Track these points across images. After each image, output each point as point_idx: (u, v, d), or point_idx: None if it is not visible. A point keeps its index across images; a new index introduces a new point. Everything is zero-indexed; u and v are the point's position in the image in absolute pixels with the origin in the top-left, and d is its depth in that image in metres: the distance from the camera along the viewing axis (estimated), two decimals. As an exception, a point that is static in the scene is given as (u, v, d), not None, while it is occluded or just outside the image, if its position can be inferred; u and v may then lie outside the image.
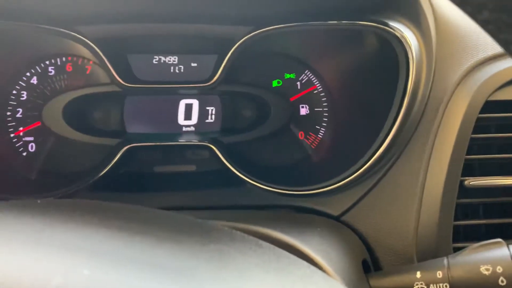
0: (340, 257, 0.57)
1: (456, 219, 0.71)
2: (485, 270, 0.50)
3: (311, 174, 0.84)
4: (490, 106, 0.74)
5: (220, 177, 0.82)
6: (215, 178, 0.84)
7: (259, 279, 0.36)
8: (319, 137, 0.90)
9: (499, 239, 0.54)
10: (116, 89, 0.83)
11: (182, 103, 0.87)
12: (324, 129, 0.90)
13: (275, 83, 0.90)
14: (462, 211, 0.73)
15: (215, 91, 0.85)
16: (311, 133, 0.90)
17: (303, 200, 0.76)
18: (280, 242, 0.56)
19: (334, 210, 0.74)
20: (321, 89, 0.90)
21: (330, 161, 0.85)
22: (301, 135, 0.90)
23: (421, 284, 0.52)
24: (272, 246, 0.42)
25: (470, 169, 0.74)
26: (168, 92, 0.86)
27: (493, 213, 0.74)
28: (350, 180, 0.73)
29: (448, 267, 0.53)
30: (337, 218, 0.73)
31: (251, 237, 0.42)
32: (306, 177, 0.82)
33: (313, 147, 0.89)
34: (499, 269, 0.50)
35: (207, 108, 0.87)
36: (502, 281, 0.50)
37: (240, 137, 0.87)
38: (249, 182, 0.78)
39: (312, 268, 0.41)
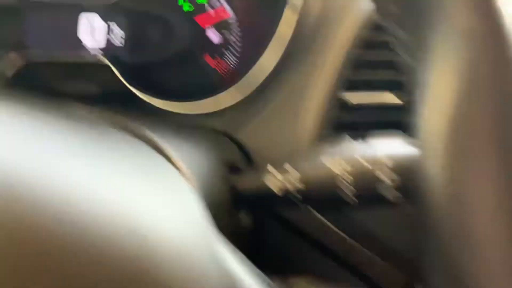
0: (197, 152, 0.57)
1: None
2: (328, 162, 0.52)
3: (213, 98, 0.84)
4: (380, 26, 0.74)
5: (121, 97, 0.81)
6: (116, 98, 0.83)
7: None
8: (227, 63, 0.89)
9: (347, 135, 0.55)
10: (13, 1, 0.80)
11: (84, 20, 0.85)
12: (232, 56, 0.89)
13: (186, 7, 0.89)
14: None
15: (119, 8, 0.84)
16: (219, 59, 0.89)
17: (196, 118, 0.77)
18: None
19: (220, 125, 0.75)
20: (231, 15, 0.89)
21: (235, 86, 0.85)
22: (209, 61, 0.89)
23: (272, 176, 0.54)
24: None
25: (356, 87, 0.75)
26: (70, 7, 0.84)
27: (373, 130, 0.75)
28: (241, 98, 0.74)
29: (297, 160, 0.54)
30: (221, 132, 0.74)
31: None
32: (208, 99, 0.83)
33: (220, 72, 0.89)
34: (343, 163, 0.51)
35: (111, 26, 0.86)
36: (345, 174, 0.51)
37: (143, 58, 0.86)
38: (147, 102, 0.78)
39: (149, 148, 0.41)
